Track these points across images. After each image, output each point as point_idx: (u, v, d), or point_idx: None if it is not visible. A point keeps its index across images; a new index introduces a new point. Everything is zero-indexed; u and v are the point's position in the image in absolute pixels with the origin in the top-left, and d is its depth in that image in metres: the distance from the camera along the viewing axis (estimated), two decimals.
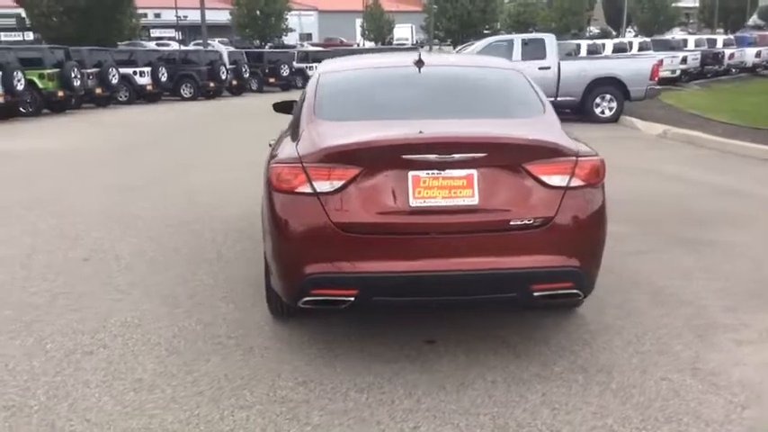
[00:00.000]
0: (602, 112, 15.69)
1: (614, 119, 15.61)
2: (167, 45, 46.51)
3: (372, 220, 3.47)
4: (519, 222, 3.49)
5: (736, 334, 4.14)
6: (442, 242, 3.49)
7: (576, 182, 3.58)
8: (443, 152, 3.43)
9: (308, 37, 72.82)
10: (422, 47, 38.78)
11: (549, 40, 16.08)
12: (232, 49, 33.30)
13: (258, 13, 51.96)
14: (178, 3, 52.16)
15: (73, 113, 20.19)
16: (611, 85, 15.60)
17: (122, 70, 22.48)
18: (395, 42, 62.04)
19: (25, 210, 7.49)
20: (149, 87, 23.22)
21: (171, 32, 59.74)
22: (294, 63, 30.88)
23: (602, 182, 3.72)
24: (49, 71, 19.13)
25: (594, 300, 4.62)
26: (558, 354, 3.87)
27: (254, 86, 29.17)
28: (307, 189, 3.51)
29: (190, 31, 60.29)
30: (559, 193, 3.54)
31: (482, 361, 3.78)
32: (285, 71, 29.58)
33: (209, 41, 51.10)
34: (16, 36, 41.65)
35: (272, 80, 29.46)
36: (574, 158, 3.60)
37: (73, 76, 19.62)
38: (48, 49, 20.71)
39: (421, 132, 3.53)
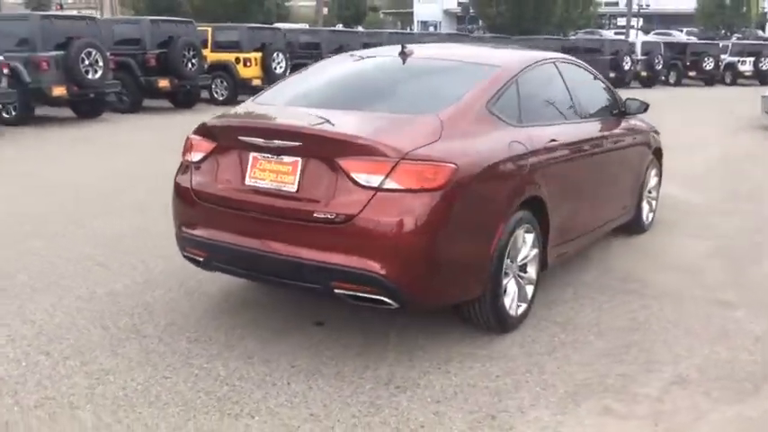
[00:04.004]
0: None
1: None
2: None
3: (215, 192, 3.82)
4: (321, 216, 3.46)
5: (622, 405, 3.31)
6: (264, 223, 3.65)
7: (391, 184, 3.37)
8: (267, 138, 3.60)
9: None
10: None
11: None
12: (648, 39, 31.85)
13: (727, 1, 47.97)
14: None
15: None
16: None
17: None
18: None
19: None
20: None
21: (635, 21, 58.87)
22: (726, 57, 28.29)
23: (438, 190, 3.39)
24: None
25: (548, 329, 4.13)
26: (392, 362, 3.65)
27: (672, 79, 27.68)
28: (188, 158, 4.03)
29: (655, 20, 58.51)
30: (368, 194, 3.39)
31: (320, 349, 3.79)
32: (709, 65, 27.28)
33: (668, 31, 49.23)
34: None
35: (692, 73, 27.53)
36: (395, 160, 3.37)
37: None
38: (391, 34, 22.91)
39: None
